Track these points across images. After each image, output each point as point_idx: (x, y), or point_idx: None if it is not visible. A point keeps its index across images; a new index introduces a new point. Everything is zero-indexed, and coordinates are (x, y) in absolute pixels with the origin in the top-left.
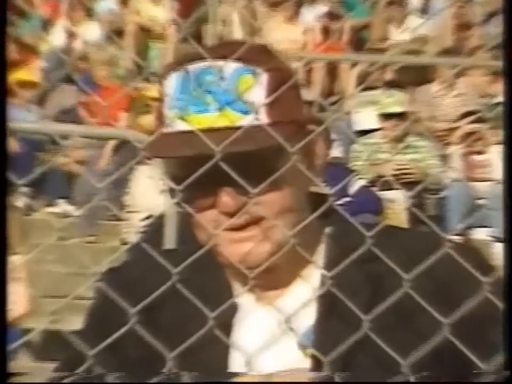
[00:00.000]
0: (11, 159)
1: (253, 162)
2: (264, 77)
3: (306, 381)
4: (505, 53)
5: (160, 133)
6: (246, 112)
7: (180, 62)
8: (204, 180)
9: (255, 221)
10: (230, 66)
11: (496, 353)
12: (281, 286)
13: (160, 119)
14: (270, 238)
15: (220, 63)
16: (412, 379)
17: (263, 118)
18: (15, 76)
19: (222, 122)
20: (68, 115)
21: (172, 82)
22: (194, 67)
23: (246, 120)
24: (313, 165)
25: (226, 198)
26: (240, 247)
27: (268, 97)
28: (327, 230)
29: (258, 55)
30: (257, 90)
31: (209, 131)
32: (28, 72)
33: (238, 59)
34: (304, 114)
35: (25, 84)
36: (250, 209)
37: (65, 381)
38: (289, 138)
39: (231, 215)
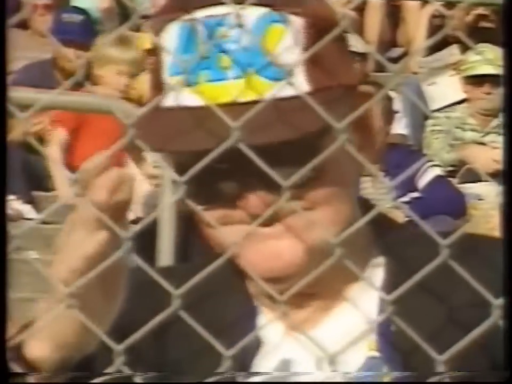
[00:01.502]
0: None
1: (284, 145)
2: (300, 26)
3: None
4: (505, 52)
5: (157, 106)
6: (278, 78)
7: (180, 6)
8: (220, 169)
9: (285, 215)
10: (253, 13)
11: None
12: (318, 308)
13: (157, 86)
14: (305, 236)
15: (238, 8)
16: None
17: (301, 85)
18: None
19: (246, 94)
20: (37, 74)
21: (172, 35)
22: (202, 15)
23: (278, 89)
24: (367, 146)
25: (255, 197)
26: (266, 247)
27: (306, 53)
28: (387, 236)
29: None
30: (291, 45)
31: (229, 107)
32: None
33: (264, 2)
34: (355, 74)
35: None
36: (283, 207)
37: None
38: (334, 109)
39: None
